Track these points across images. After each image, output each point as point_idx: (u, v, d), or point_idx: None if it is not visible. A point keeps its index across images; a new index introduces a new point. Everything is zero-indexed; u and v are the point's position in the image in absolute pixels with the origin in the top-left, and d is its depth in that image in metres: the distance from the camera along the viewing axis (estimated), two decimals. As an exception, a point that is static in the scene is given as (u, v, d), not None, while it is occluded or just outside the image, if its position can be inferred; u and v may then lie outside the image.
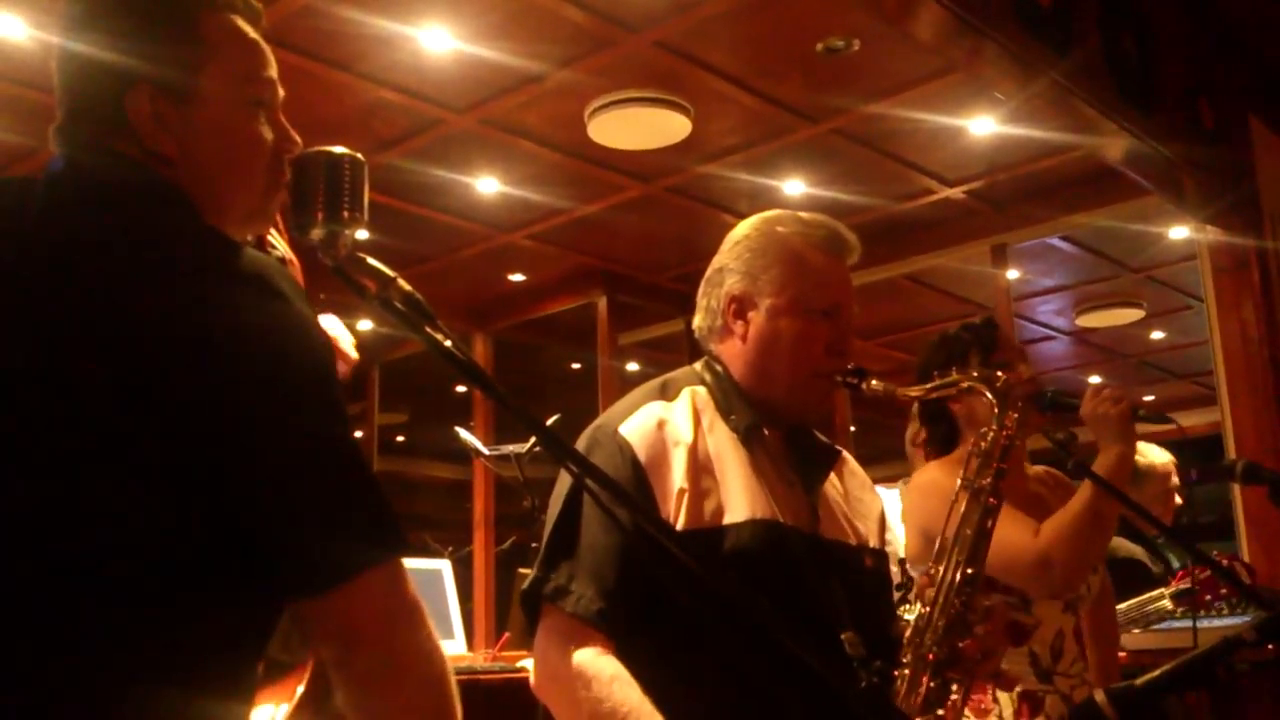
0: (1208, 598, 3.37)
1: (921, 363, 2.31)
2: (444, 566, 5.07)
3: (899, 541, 2.93)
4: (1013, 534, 2.08)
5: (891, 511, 2.98)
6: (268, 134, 1.20)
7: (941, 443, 2.36)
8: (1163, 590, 3.43)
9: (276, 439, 1.01)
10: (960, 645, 1.50)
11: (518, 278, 6.93)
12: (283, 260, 1.42)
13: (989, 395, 1.63)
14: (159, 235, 1.06)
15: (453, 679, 1.08)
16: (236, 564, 1.01)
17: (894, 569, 2.84)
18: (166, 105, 1.13)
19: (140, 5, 1.15)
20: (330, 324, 1.50)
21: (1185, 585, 3.39)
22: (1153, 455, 3.58)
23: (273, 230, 1.51)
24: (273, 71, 1.22)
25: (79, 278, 1.02)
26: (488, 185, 5.55)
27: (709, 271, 1.73)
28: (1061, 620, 2.22)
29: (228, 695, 1.04)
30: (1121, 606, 3.30)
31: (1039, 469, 2.44)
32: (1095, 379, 9.29)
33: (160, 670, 0.99)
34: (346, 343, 1.55)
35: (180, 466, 0.98)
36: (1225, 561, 3.17)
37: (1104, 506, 2.09)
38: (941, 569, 1.55)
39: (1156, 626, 3.48)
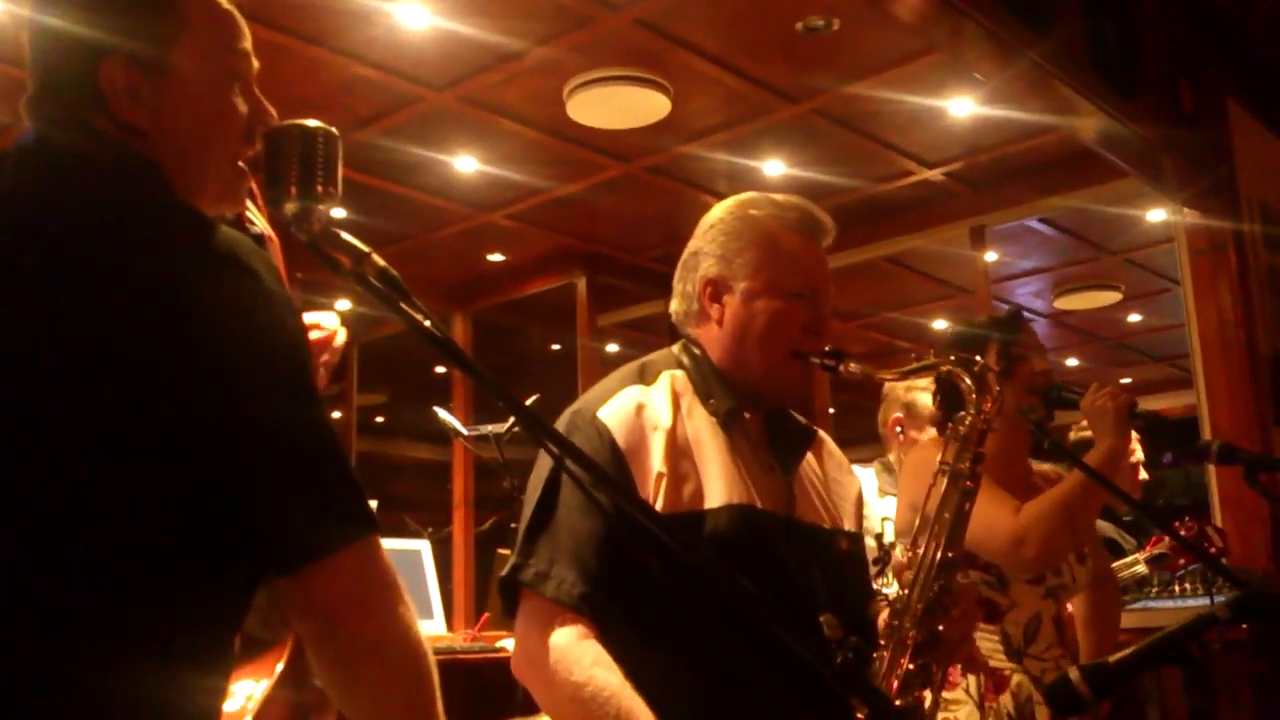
0: (1181, 561, 3.42)
1: (940, 347, 2.34)
2: (423, 547, 5.06)
3: (875, 518, 2.95)
4: (993, 511, 2.11)
5: (868, 490, 3.00)
6: (242, 106, 1.19)
7: (946, 419, 2.38)
8: (1137, 556, 3.47)
9: (248, 418, 1.00)
10: (939, 629, 1.50)
11: (497, 258, 6.90)
12: (261, 237, 1.41)
13: (966, 380, 1.63)
14: (130, 211, 1.05)
15: (430, 656, 1.08)
16: (211, 541, 1.01)
17: (871, 543, 2.86)
18: (140, 77, 1.12)
19: None
20: (326, 320, 1.49)
21: (1160, 550, 3.44)
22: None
23: (252, 206, 1.49)
24: (247, 44, 1.21)
25: (47, 253, 1.01)
26: (466, 164, 5.51)
27: (684, 255, 1.72)
28: (1040, 605, 2.25)
29: (205, 669, 1.05)
30: None
31: (1047, 466, 2.47)
32: (1073, 361, 9.34)
33: (138, 644, 0.99)
34: (334, 328, 1.53)
35: (152, 445, 0.98)
36: (1196, 527, 3.22)
37: (1088, 495, 2.14)
38: (919, 552, 1.56)
39: (1133, 606, 3.51)
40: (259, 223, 1.48)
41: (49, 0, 1.13)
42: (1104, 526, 3.72)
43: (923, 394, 3.11)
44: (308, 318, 1.42)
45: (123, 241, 1.02)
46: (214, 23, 1.17)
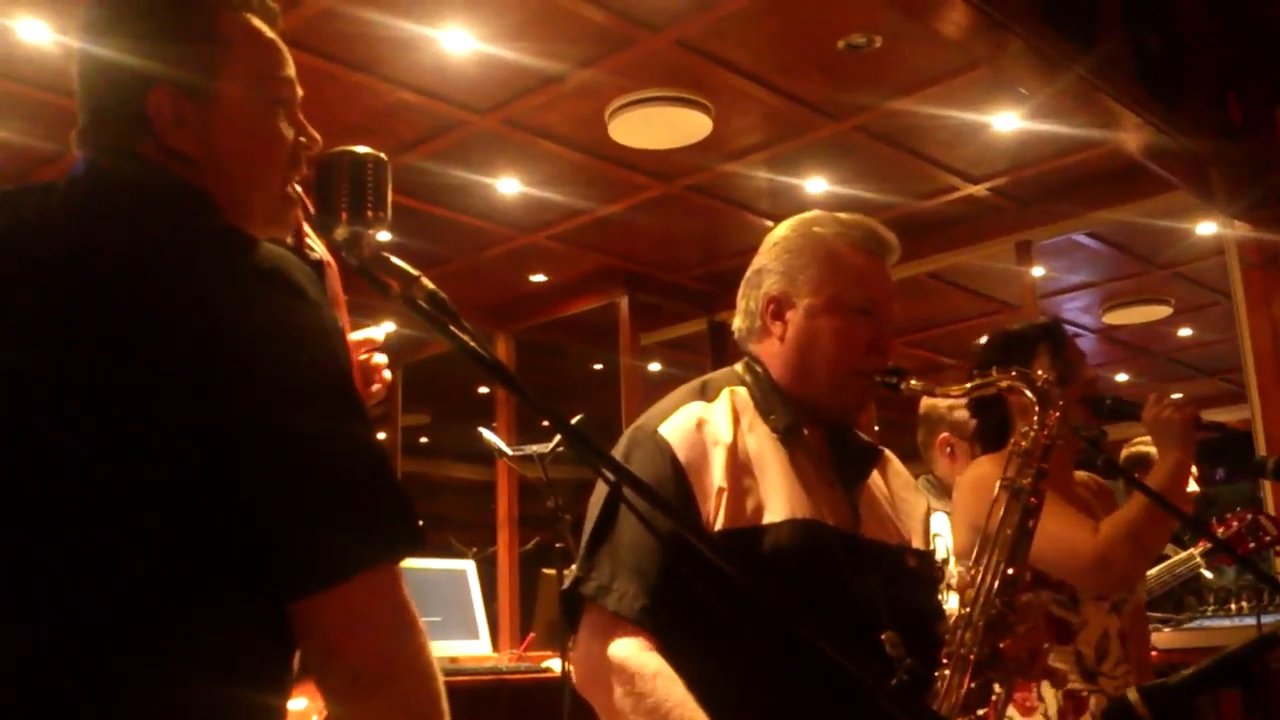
0: (1239, 552, 3.36)
1: (981, 358, 2.29)
2: (468, 567, 5.07)
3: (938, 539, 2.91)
4: (1072, 531, 2.08)
5: None
6: (287, 132, 1.20)
7: (991, 434, 2.34)
8: (1191, 550, 3.41)
9: (276, 439, 0.99)
10: (1001, 646, 1.48)
11: (539, 278, 6.94)
12: (321, 263, 1.41)
13: (1029, 394, 1.61)
14: (176, 235, 1.06)
15: (441, 692, 1.04)
16: (245, 563, 1.00)
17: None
18: (187, 106, 1.13)
19: (159, 8, 1.16)
20: (376, 333, 1.49)
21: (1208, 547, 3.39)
22: (1151, 451, 3.56)
23: (311, 232, 1.51)
24: (290, 70, 1.23)
25: (97, 280, 1.02)
26: (509, 186, 5.55)
27: (748, 273, 1.73)
28: (1107, 621, 2.21)
29: (259, 686, 1.04)
30: (1152, 571, 3.28)
31: (1082, 474, 2.43)
32: (1122, 376, 9.22)
33: (189, 663, 0.99)
34: (381, 363, 1.53)
35: (194, 464, 0.98)
36: (1250, 516, 3.17)
37: (1162, 513, 2.10)
38: (981, 569, 1.54)
39: (1189, 626, 3.46)
40: (318, 248, 1.49)
41: (97, 32, 1.15)
42: None
43: (965, 410, 3.07)
44: (357, 335, 1.42)
45: (167, 263, 1.03)
46: (258, 51, 1.19)
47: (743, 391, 1.65)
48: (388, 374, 1.46)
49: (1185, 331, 8.17)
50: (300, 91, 1.25)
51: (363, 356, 1.44)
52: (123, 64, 1.13)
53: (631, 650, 1.46)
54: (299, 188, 1.29)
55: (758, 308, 1.69)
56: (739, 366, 1.71)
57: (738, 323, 1.74)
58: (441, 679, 1.05)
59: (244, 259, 1.04)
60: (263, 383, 1.00)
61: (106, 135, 1.15)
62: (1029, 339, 2.30)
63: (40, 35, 3.98)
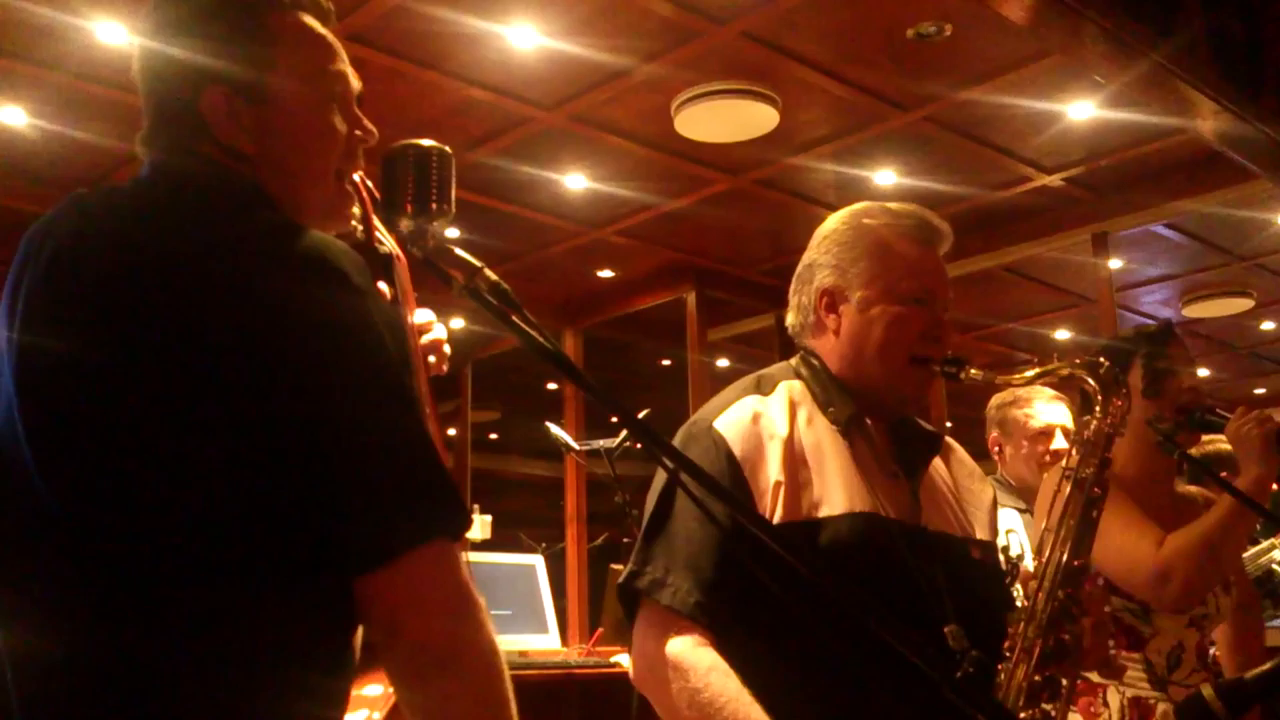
0: None
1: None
2: (537, 562, 5.11)
3: (1000, 531, 2.88)
4: (1135, 542, 2.05)
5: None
6: (341, 126, 1.22)
7: None
8: (1274, 540, 3.32)
9: (331, 419, 1.01)
10: (1065, 638, 1.46)
11: (607, 274, 6.95)
12: (390, 257, 1.43)
13: (1090, 382, 1.58)
14: (231, 231, 1.08)
15: (505, 674, 1.05)
16: (310, 542, 1.02)
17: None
18: (240, 104, 1.16)
19: (210, 10, 1.18)
20: (425, 318, 1.51)
21: None
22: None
23: (381, 227, 1.53)
24: (343, 65, 1.24)
25: (159, 278, 1.05)
26: (576, 181, 5.57)
27: (799, 268, 1.71)
28: (1183, 634, 2.16)
29: (321, 670, 1.05)
30: None
31: (1193, 489, 2.38)
32: (1204, 372, 9.00)
33: (244, 645, 1.01)
34: (440, 337, 1.55)
35: (250, 451, 1.00)
36: None
37: (1234, 527, 2.06)
38: (1044, 560, 1.51)
39: (1271, 624, 3.35)
40: (388, 243, 1.51)
41: (152, 37, 1.19)
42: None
43: (1014, 409, 3.06)
44: (416, 316, 1.44)
45: (222, 258, 1.05)
46: (309, 46, 1.21)
47: (799, 385, 1.64)
48: (447, 349, 1.47)
49: (1268, 325, 7.96)
50: (358, 85, 1.27)
51: (424, 339, 1.45)
52: (177, 67, 1.16)
53: (685, 646, 1.45)
54: (369, 181, 1.31)
55: (811, 302, 1.67)
56: (795, 360, 1.70)
57: (791, 318, 1.72)
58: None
59: (293, 251, 1.06)
60: (310, 371, 1.02)
61: (167, 137, 1.18)
62: (1127, 348, 2.27)
63: (118, 37, 4.08)
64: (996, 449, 3.13)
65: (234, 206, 1.12)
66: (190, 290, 1.03)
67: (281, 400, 1.01)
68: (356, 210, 1.40)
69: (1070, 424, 3.03)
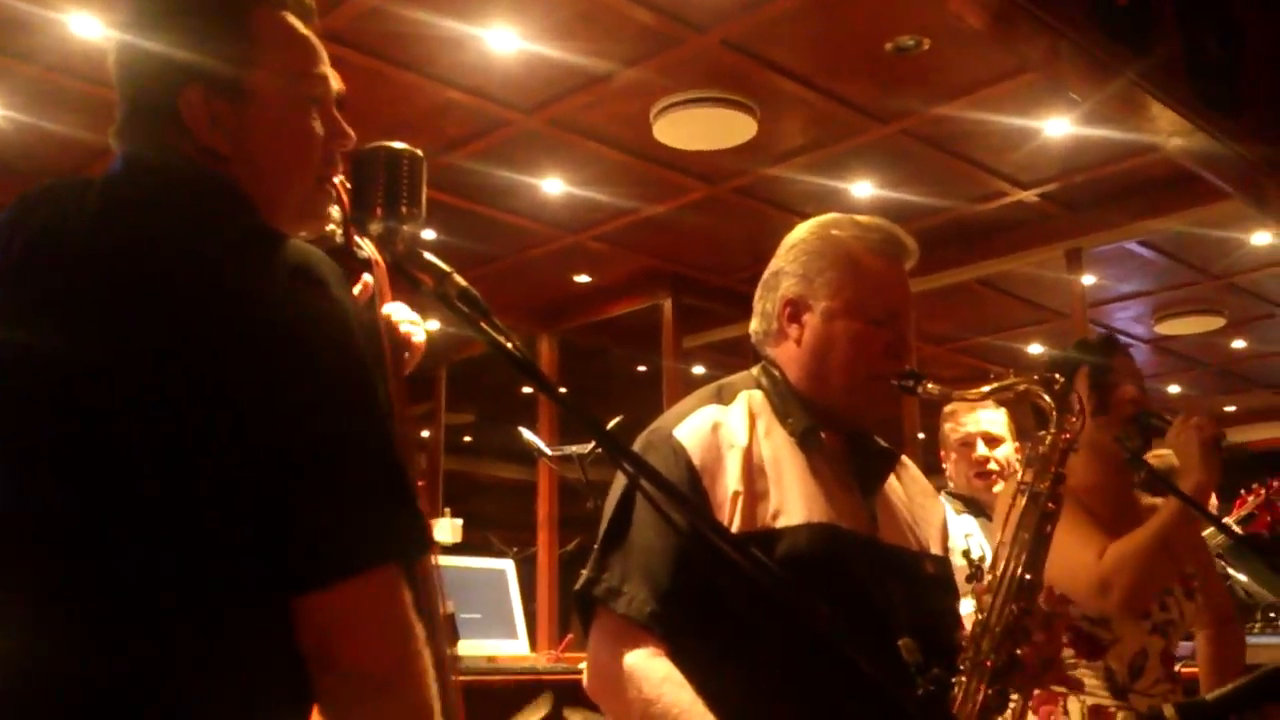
0: (1269, 519, 3.33)
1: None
2: (508, 567, 5.08)
3: (959, 535, 2.92)
4: (1078, 553, 2.06)
5: (947, 511, 2.97)
6: (319, 129, 1.19)
7: None
8: (1226, 520, 3.35)
9: (291, 435, 0.99)
10: (1019, 653, 1.46)
11: (583, 279, 6.94)
12: (369, 261, 1.40)
13: (1046, 398, 1.58)
14: (206, 231, 1.06)
15: (436, 710, 1.02)
16: (264, 559, 0.99)
17: (960, 562, 2.83)
18: (220, 102, 1.13)
19: (192, 6, 1.16)
20: (399, 311, 1.48)
21: (1246, 510, 3.33)
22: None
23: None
24: (325, 67, 1.22)
25: (131, 276, 1.03)
26: (553, 186, 5.56)
27: (765, 275, 1.71)
28: (1146, 640, 2.17)
29: (278, 688, 1.03)
30: None
31: (1158, 500, 2.38)
32: (1175, 388, 9.07)
33: (204, 660, 0.99)
34: (412, 326, 1.52)
35: (215, 458, 0.98)
36: (1264, 492, 3.12)
37: (1173, 533, 2.07)
38: (998, 574, 1.52)
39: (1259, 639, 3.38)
40: (366, 247, 1.49)
41: (131, 30, 1.16)
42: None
43: (946, 423, 3.17)
44: (388, 308, 1.41)
45: (197, 259, 1.03)
46: (291, 48, 1.18)
47: (759, 395, 1.63)
48: (420, 338, 1.44)
49: (1239, 343, 8.03)
50: (338, 87, 1.25)
51: (402, 330, 1.42)
52: (155, 63, 1.14)
53: (639, 655, 1.44)
54: (345, 184, 1.29)
55: (774, 310, 1.67)
56: (756, 370, 1.70)
57: (754, 325, 1.72)
58: (435, 688, 1.03)
59: (270, 255, 1.04)
60: (281, 379, 1.00)
61: (143, 132, 1.16)
62: (1073, 362, 2.28)
63: (92, 29, 4.05)
64: (943, 462, 3.21)
65: (212, 207, 1.10)
66: (166, 292, 1.01)
67: (250, 409, 0.99)
68: (335, 213, 1.38)
69: (999, 431, 3.09)
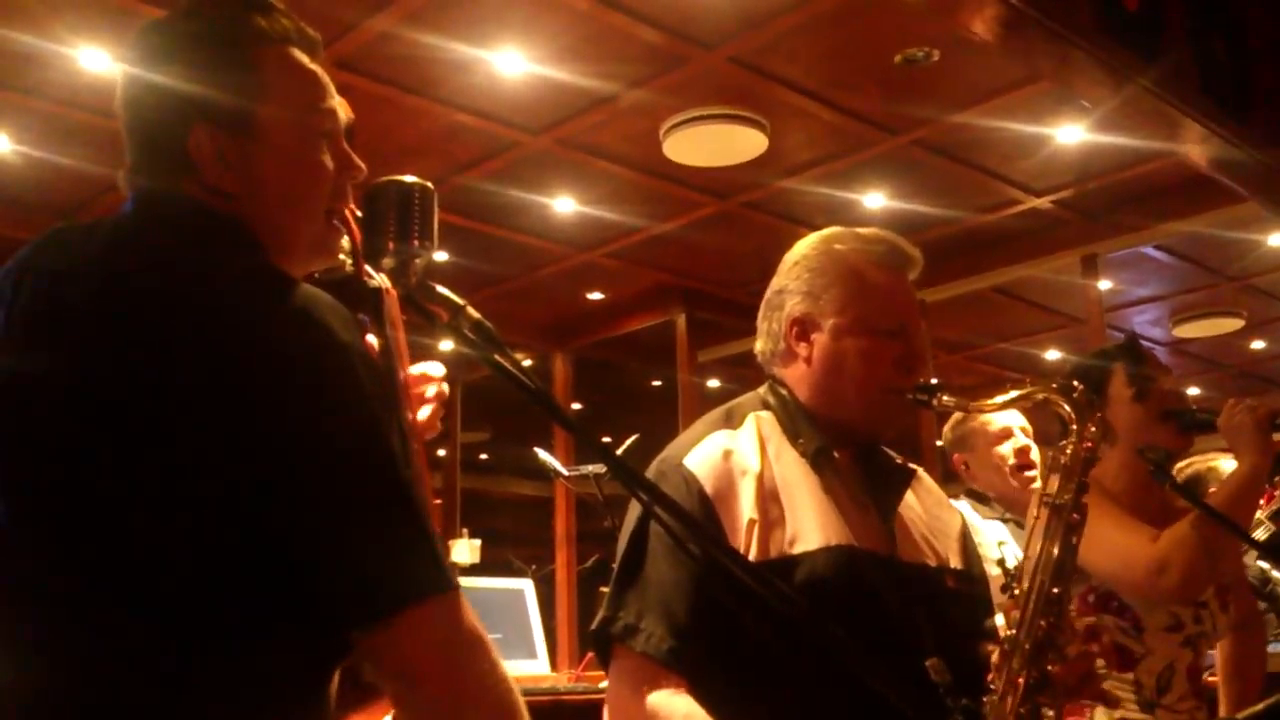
0: None
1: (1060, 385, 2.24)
2: (526, 586, 5.08)
3: (991, 544, 2.87)
4: (1129, 537, 2.03)
5: (972, 518, 2.93)
6: (329, 163, 1.19)
7: None
8: (1259, 515, 3.31)
9: (314, 472, 1.00)
10: (1050, 668, 1.43)
11: (596, 296, 6.94)
12: (379, 291, 1.41)
13: (1066, 407, 1.56)
14: (210, 273, 1.06)
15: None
16: (286, 595, 1.00)
17: (995, 571, 2.79)
18: (227, 142, 1.13)
19: (198, 45, 1.16)
20: (432, 369, 1.49)
21: (1277, 505, 3.29)
22: (1218, 463, 3.45)
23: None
24: (333, 101, 1.22)
25: (134, 320, 1.03)
26: (564, 205, 5.56)
27: (768, 294, 1.69)
28: (1175, 654, 2.13)
29: (295, 716, 1.04)
30: None
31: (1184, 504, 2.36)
32: (1194, 390, 9.02)
33: (217, 695, 0.99)
34: (439, 376, 1.52)
35: (227, 500, 0.99)
36: None
37: (1230, 518, 2.02)
38: (1025, 589, 1.49)
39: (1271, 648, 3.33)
40: (377, 277, 1.49)
41: (138, 70, 1.16)
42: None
43: (970, 422, 3.05)
44: (415, 369, 1.42)
45: (199, 303, 1.03)
46: (298, 83, 1.18)
47: (768, 416, 1.61)
48: (437, 390, 1.44)
49: (1258, 344, 7.98)
50: (348, 118, 1.25)
51: (421, 390, 1.42)
52: (163, 101, 1.14)
53: (660, 693, 1.42)
54: (356, 215, 1.28)
55: (781, 329, 1.64)
56: (763, 390, 1.67)
57: (760, 345, 1.69)
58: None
59: (274, 295, 1.04)
60: (293, 421, 1.00)
61: (151, 174, 1.16)
62: (1105, 357, 2.26)
63: (101, 64, 4.06)
64: (963, 466, 3.14)
65: (217, 248, 1.09)
66: (175, 336, 1.01)
67: (268, 453, 0.99)
68: (346, 244, 1.39)
69: (1025, 424, 3.05)
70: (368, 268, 1.45)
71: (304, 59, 1.20)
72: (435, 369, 1.46)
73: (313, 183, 1.18)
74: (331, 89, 1.22)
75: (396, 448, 1.05)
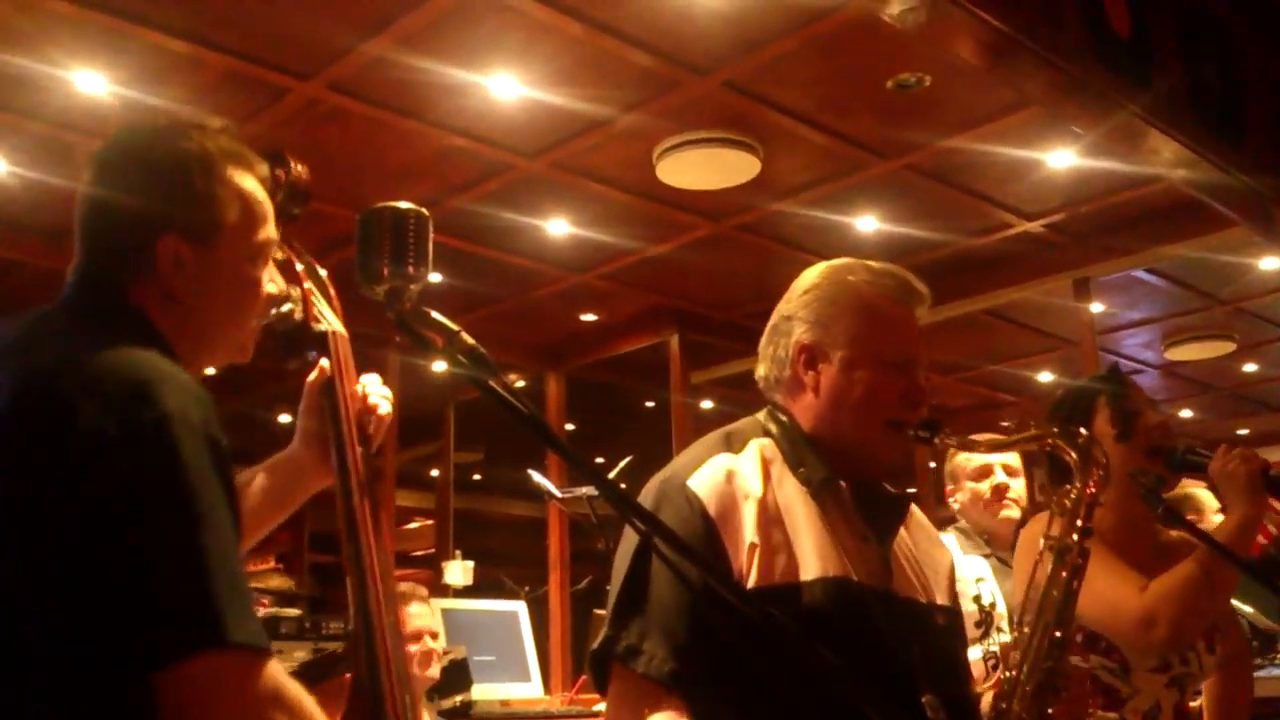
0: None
1: (1048, 419, 2.22)
2: (519, 608, 5.06)
3: (969, 580, 2.88)
4: (1117, 589, 2.01)
5: (955, 553, 2.94)
6: (267, 284, 1.37)
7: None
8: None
9: (114, 529, 1.06)
10: (1050, 712, 1.44)
11: (590, 317, 6.95)
12: (326, 335, 1.55)
13: (1071, 454, 1.56)
14: (80, 360, 1.14)
15: None
16: (96, 644, 1.06)
17: (970, 607, 2.79)
18: (188, 252, 1.26)
19: (169, 164, 1.29)
20: (373, 385, 1.59)
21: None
22: (1196, 491, 3.45)
23: (321, 303, 1.62)
24: (273, 228, 1.37)
25: (14, 403, 1.13)
26: (558, 227, 5.57)
27: (774, 320, 1.69)
28: (1162, 694, 2.12)
29: None
30: None
31: (1175, 534, 2.33)
32: (1187, 413, 9.03)
33: None
34: (381, 400, 1.60)
35: (49, 559, 1.07)
36: None
37: (1218, 569, 2.00)
38: (1027, 632, 1.49)
39: (1257, 674, 3.33)
40: (325, 320, 1.57)
41: (107, 181, 1.29)
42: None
43: (956, 456, 3.11)
44: (362, 380, 1.57)
45: (54, 387, 1.11)
46: (252, 208, 1.33)
47: (769, 443, 1.61)
48: (385, 410, 1.57)
49: (1250, 367, 8.01)
50: (275, 251, 1.41)
51: (370, 401, 1.56)
52: (136, 211, 1.27)
53: (661, 715, 1.42)
54: (310, 259, 1.53)
55: (787, 356, 1.64)
56: (762, 415, 1.67)
57: (762, 370, 1.69)
58: None
59: (114, 379, 1.11)
60: (99, 494, 1.07)
61: (101, 270, 1.27)
62: (1089, 394, 2.23)
63: (97, 86, 4.07)
64: (952, 499, 3.18)
65: (103, 336, 1.17)
66: (26, 417, 1.11)
67: (89, 518, 1.06)
68: (295, 291, 1.56)
69: (1015, 464, 3.07)
70: (316, 312, 1.54)
71: (256, 188, 1.34)
72: (374, 385, 1.57)
73: (252, 297, 1.34)
74: (272, 215, 1.37)
75: (204, 509, 1.09)
